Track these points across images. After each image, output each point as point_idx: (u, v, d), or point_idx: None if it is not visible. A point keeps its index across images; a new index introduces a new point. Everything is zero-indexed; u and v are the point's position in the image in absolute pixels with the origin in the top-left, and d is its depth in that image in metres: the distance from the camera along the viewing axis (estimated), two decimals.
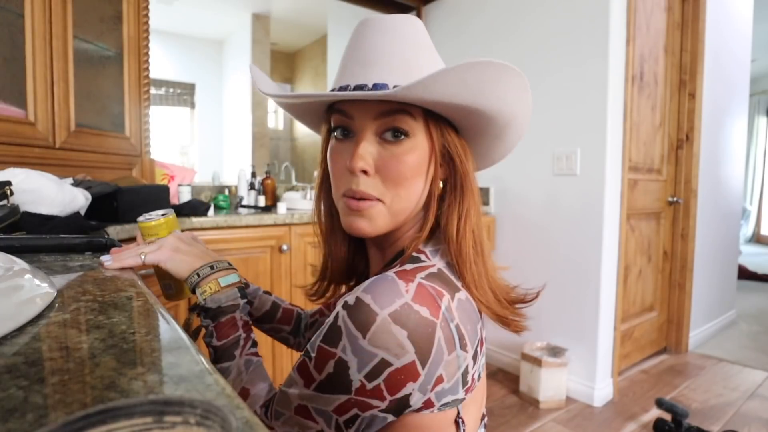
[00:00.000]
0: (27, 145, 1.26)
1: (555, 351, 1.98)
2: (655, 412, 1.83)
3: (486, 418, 0.57)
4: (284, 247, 1.68)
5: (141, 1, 1.64)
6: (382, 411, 0.44)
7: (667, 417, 1.68)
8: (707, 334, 2.73)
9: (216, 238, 1.55)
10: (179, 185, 1.82)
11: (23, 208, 0.83)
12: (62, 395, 0.25)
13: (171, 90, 2.20)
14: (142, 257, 0.60)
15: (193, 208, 1.56)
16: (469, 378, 0.48)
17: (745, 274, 4.24)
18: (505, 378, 2.18)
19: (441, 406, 0.46)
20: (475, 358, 0.49)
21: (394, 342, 0.42)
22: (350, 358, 0.42)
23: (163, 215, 0.67)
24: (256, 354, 0.60)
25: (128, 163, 1.64)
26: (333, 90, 0.52)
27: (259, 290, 0.78)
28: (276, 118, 2.57)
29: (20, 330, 0.35)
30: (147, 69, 1.69)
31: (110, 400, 0.24)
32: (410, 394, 0.43)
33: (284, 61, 2.57)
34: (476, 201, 0.55)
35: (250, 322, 0.62)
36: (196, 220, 1.50)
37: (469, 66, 0.43)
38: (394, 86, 0.49)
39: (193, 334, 0.64)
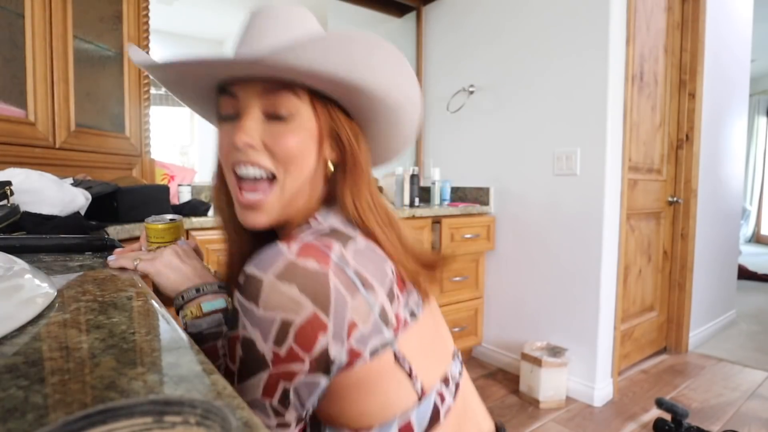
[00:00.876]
0: (27, 145, 1.26)
1: (555, 351, 1.98)
2: (655, 412, 1.83)
3: (453, 383, 0.55)
4: None
5: (141, 1, 1.64)
6: (309, 374, 0.43)
7: (667, 417, 1.68)
8: (707, 334, 2.73)
9: (216, 238, 1.55)
10: (179, 185, 1.82)
11: (23, 208, 0.83)
12: (62, 395, 0.25)
13: None
14: (136, 263, 0.60)
15: (193, 208, 1.56)
16: (391, 317, 0.47)
17: (745, 274, 4.23)
18: (505, 378, 2.18)
19: (371, 354, 0.45)
20: (391, 297, 0.48)
21: (287, 299, 0.41)
22: (252, 332, 0.42)
23: (171, 220, 0.67)
24: None
25: (128, 163, 1.64)
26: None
27: None
28: None
29: (20, 330, 0.35)
30: None
31: (110, 400, 0.24)
32: (327, 347, 0.42)
33: None
34: (369, 181, 0.55)
35: None
36: (196, 220, 1.50)
37: (338, 36, 0.45)
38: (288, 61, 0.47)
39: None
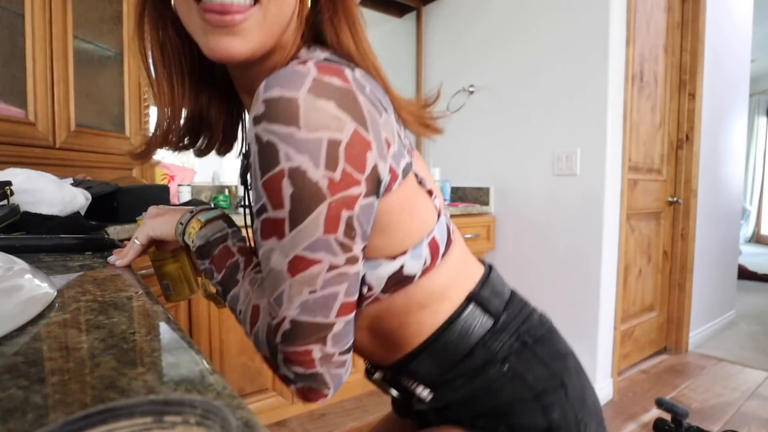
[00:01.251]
0: (27, 145, 1.26)
1: None
2: (655, 412, 1.83)
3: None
4: None
5: None
6: (366, 197, 0.39)
7: (667, 417, 1.68)
8: (707, 334, 2.73)
9: None
10: (179, 185, 1.82)
11: (23, 208, 0.83)
12: (62, 395, 0.25)
13: None
14: (137, 240, 0.61)
15: None
16: (404, 140, 0.46)
17: (745, 274, 4.23)
18: None
19: (403, 174, 0.44)
20: (398, 123, 0.46)
21: (329, 116, 0.37)
22: (300, 159, 0.36)
23: None
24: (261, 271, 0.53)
25: (128, 163, 1.64)
26: None
27: None
28: None
29: (20, 330, 0.35)
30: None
31: (110, 400, 0.24)
32: (376, 164, 0.39)
33: None
34: (359, 17, 0.48)
35: (249, 246, 0.56)
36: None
37: None
38: None
39: (217, 293, 0.62)
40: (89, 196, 1.03)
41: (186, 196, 1.81)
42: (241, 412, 0.24)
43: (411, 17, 2.67)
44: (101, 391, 0.25)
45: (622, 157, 1.91)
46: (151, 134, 0.53)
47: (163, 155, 2.04)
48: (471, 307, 0.51)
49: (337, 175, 0.37)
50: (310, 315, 0.40)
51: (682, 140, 2.44)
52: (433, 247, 0.48)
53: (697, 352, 2.52)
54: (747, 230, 6.86)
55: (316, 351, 0.42)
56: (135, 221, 1.24)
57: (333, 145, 0.37)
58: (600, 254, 1.88)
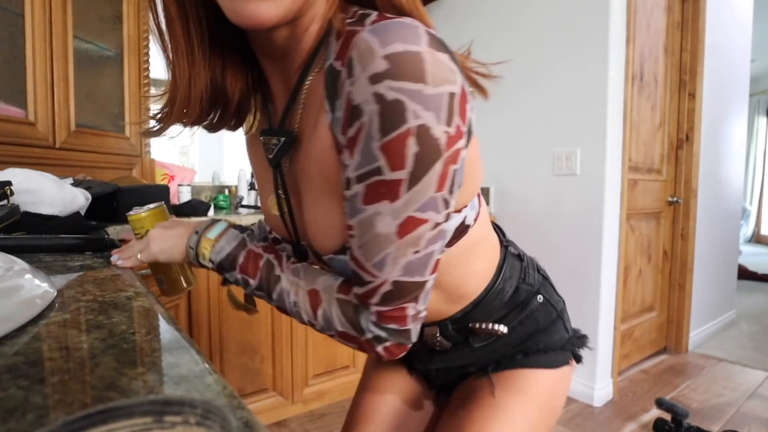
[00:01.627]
0: (27, 145, 1.26)
1: None
2: (655, 412, 1.83)
3: None
4: None
5: (141, 1, 1.64)
6: (464, 149, 0.39)
7: (667, 417, 1.68)
8: (707, 334, 2.73)
9: None
10: (179, 185, 1.82)
11: (23, 208, 0.83)
12: (62, 395, 0.25)
13: None
14: (139, 256, 0.60)
15: (193, 208, 1.56)
16: None
17: (745, 274, 4.24)
18: None
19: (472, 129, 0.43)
20: None
21: (448, 70, 0.36)
22: (426, 117, 0.35)
23: (149, 208, 0.66)
24: (296, 262, 0.53)
25: (128, 163, 1.64)
26: None
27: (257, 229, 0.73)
28: None
29: (20, 330, 0.35)
30: (147, 69, 1.69)
31: (110, 400, 0.24)
32: (470, 115, 0.39)
33: None
34: None
35: (270, 242, 0.57)
36: (196, 220, 1.50)
37: None
38: None
39: (247, 301, 0.62)
40: (89, 196, 1.03)
41: (186, 196, 1.81)
42: (241, 412, 0.24)
43: None
44: (101, 391, 0.25)
45: (622, 157, 1.91)
46: (163, 108, 0.50)
47: (162, 154, 2.03)
48: (507, 252, 0.59)
49: (452, 130, 0.36)
50: (410, 275, 0.41)
51: (682, 140, 2.44)
52: (480, 200, 0.53)
53: (697, 352, 2.52)
54: (747, 230, 6.86)
55: (410, 308, 0.43)
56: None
57: (452, 98, 0.36)
58: (600, 254, 1.88)
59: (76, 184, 1.12)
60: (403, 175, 0.37)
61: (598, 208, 1.88)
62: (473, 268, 0.55)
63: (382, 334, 0.44)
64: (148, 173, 1.71)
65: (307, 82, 0.45)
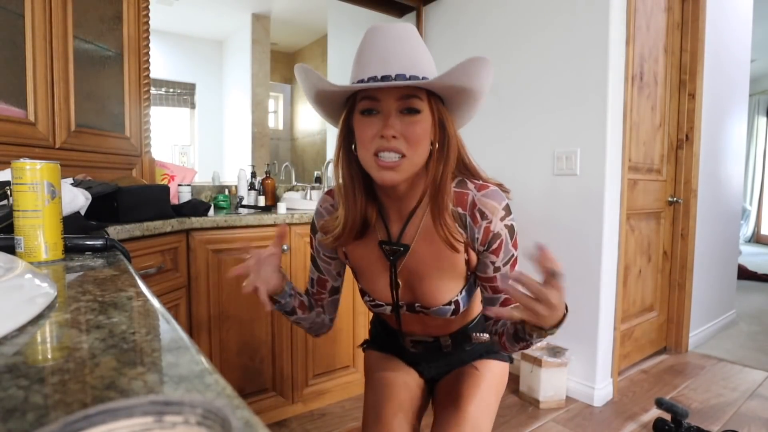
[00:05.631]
0: (27, 145, 1.26)
1: (555, 351, 1.98)
2: (655, 412, 1.83)
3: None
4: (284, 247, 1.68)
5: (141, 1, 1.64)
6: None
7: (667, 417, 1.68)
8: (707, 334, 2.73)
9: (216, 238, 1.55)
10: (179, 185, 1.82)
11: None
12: (62, 395, 0.25)
13: (171, 90, 2.20)
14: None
15: (193, 208, 1.56)
16: None
17: (745, 274, 4.23)
18: None
19: None
20: None
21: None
22: (516, 228, 0.85)
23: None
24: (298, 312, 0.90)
25: (128, 163, 1.64)
26: (359, 81, 0.72)
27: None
28: (276, 118, 2.57)
29: (20, 330, 0.35)
30: (147, 69, 1.69)
31: (110, 400, 0.24)
32: None
33: (284, 61, 2.57)
34: (457, 148, 0.81)
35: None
36: (196, 220, 1.50)
37: (472, 61, 0.69)
38: (423, 77, 0.72)
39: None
40: (89, 196, 1.03)
41: (186, 196, 1.81)
42: (241, 412, 0.24)
43: (411, 17, 2.67)
44: (101, 391, 0.25)
45: (622, 157, 1.91)
46: (339, 229, 0.82)
47: (162, 154, 2.03)
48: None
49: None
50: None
51: (682, 140, 2.44)
52: None
53: (697, 352, 2.52)
54: (747, 230, 6.86)
55: None
56: (135, 221, 1.23)
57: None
58: (600, 254, 1.88)
59: (76, 184, 1.12)
60: (517, 252, 0.87)
61: (598, 208, 1.88)
62: (478, 300, 0.93)
63: None
64: (148, 173, 1.70)
65: (412, 218, 0.83)
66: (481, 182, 0.82)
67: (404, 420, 0.88)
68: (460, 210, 0.79)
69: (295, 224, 1.72)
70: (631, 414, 1.85)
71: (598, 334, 1.91)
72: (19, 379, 0.26)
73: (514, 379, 2.13)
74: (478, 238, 0.80)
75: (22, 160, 0.66)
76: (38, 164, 0.65)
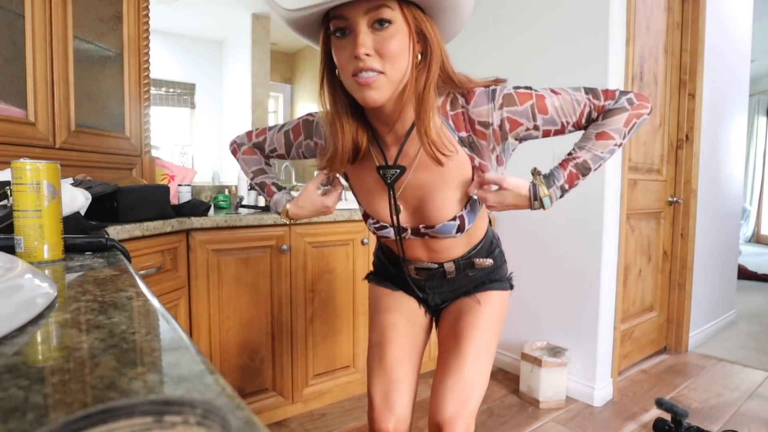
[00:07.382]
0: (27, 145, 1.26)
1: (555, 351, 1.98)
2: (655, 412, 1.83)
3: None
4: (284, 247, 1.68)
5: (141, 1, 1.64)
6: None
7: (667, 417, 1.68)
8: (707, 334, 2.73)
9: (216, 238, 1.55)
10: (179, 185, 1.82)
11: None
12: (62, 395, 0.25)
13: (171, 90, 2.20)
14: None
15: (193, 208, 1.56)
16: None
17: (745, 274, 4.23)
18: (505, 378, 2.18)
19: None
20: None
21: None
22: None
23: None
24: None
25: (128, 163, 1.64)
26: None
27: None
28: (276, 118, 2.57)
29: (20, 330, 0.35)
30: (147, 69, 1.69)
31: (110, 400, 0.24)
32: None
33: (284, 61, 2.57)
34: (441, 57, 0.74)
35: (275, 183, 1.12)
36: (196, 220, 1.50)
37: None
38: None
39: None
40: (89, 196, 1.03)
41: (186, 196, 1.81)
42: (241, 412, 0.24)
43: None
44: (101, 391, 0.25)
45: (622, 157, 1.91)
46: (329, 156, 0.81)
47: (162, 154, 2.03)
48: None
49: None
50: None
51: (682, 140, 2.44)
52: None
53: (697, 352, 2.52)
54: (747, 230, 6.86)
55: None
56: (135, 221, 1.23)
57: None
58: (600, 254, 1.88)
59: (76, 184, 1.12)
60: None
61: (598, 208, 1.88)
62: (481, 223, 0.93)
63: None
64: (148, 173, 1.70)
65: (408, 140, 0.80)
66: (468, 90, 0.77)
67: (406, 362, 0.92)
68: (463, 134, 0.78)
69: (296, 224, 1.72)
70: (631, 414, 1.85)
71: (598, 334, 1.91)
72: (19, 379, 0.26)
73: (514, 379, 2.13)
74: (505, 142, 0.83)
75: (22, 160, 0.66)
76: (38, 164, 0.65)
